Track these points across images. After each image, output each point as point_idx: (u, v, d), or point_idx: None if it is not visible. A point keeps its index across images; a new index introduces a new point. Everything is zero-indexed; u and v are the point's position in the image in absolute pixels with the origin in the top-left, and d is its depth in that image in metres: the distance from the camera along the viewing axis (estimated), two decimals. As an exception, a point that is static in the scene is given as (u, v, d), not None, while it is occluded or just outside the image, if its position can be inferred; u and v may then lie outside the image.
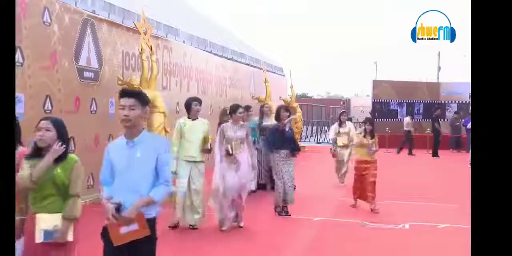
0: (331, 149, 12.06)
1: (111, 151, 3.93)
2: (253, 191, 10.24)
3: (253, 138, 10.91)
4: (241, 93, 18.58)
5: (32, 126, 7.68)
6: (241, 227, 7.54)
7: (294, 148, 8.61)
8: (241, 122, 7.72)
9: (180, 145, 7.29)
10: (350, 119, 26.96)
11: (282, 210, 8.48)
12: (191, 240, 6.77)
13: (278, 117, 8.65)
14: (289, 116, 8.67)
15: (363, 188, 9.02)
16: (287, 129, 8.55)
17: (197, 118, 7.49)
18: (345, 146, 11.86)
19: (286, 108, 8.87)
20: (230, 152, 7.33)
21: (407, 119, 21.22)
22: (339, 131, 11.99)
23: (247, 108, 10.98)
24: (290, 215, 8.41)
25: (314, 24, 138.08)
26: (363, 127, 9.17)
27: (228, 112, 7.78)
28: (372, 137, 9.02)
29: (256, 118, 11.43)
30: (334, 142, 12.03)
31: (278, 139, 8.43)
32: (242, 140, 7.54)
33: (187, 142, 7.28)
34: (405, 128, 20.94)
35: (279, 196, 8.45)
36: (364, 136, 9.03)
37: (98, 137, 9.49)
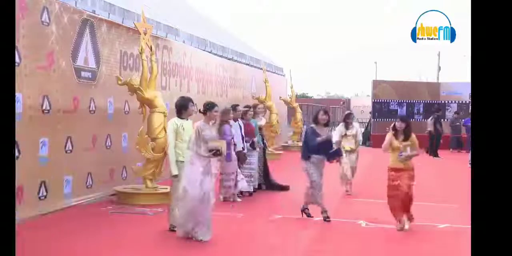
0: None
1: None
2: (250, 194, 10.25)
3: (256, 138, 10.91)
4: (242, 93, 18.58)
5: (31, 126, 7.71)
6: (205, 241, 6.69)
7: (331, 154, 8.07)
8: (212, 122, 7.18)
9: (176, 147, 7.21)
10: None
11: (321, 214, 8.12)
12: (189, 240, 6.76)
13: (316, 120, 8.13)
14: (328, 120, 8.09)
15: (398, 204, 7.54)
16: (323, 134, 8.03)
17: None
18: (352, 151, 10.69)
19: (325, 111, 8.21)
20: (220, 152, 6.82)
21: (430, 121, 20.85)
22: (345, 134, 10.66)
23: (249, 107, 10.98)
24: (329, 220, 8.05)
25: (314, 24, 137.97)
26: (392, 125, 7.58)
27: (202, 110, 7.17)
28: (407, 138, 7.41)
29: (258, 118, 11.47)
30: (339, 145, 10.35)
31: (314, 144, 7.93)
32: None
33: (184, 143, 7.22)
34: (429, 129, 20.58)
35: (312, 200, 8.11)
36: (396, 137, 7.47)
37: (96, 137, 9.48)
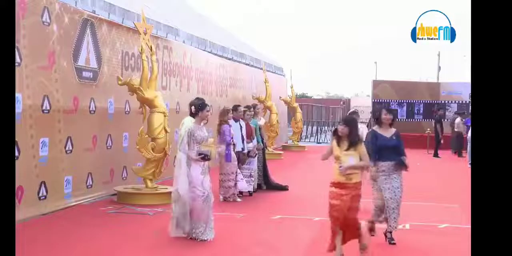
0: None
1: None
2: (250, 194, 10.23)
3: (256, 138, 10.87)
4: (242, 93, 18.58)
5: (31, 126, 7.71)
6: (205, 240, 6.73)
7: (401, 160, 6.72)
8: (204, 122, 7.03)
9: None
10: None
11: (385, 236, 6.93)
12: (189, 240, 6.76)
13: (378, 121, 6.96)
14: (393, 119, 6.86)
15: (336, 229, 6.03)
16: (389, 136, 6.87)
17: None
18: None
19: (388, 109, 6.98)
20: (209, 157, 6.69)
21: (458, 120, 20.31)
22: None
23: (248, 108, 10.97)
24: (394, 243, 6.85)
25: (314, 24, 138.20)
26: (333, 129, 6.21)
27: (193, 110, 6.98)
28: (351, 146, 5.85)
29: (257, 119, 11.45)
30: None
31: (379, 149, 6.72)
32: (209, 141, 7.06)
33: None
34: (455, 130, 20.21)
35: (376, 215, 6.93)
36: (338, 144, 5.94)
37: (96, 137, 9.48)
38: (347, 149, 5.84)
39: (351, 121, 6.06)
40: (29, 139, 7.65)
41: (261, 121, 12.13)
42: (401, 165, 6.74)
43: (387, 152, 6.73)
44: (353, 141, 5.85)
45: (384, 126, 6.88)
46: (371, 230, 6.76)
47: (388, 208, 6.78)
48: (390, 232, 6.88)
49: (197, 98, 7.51)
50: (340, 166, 5.79)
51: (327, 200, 7.48)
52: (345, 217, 5.90)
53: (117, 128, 10.15)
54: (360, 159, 5.88)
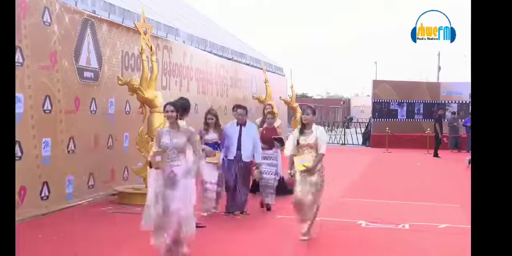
0: (289, 174, 6.96)
1: None
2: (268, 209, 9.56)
3: None
4: (242, 93, 18.58)
5: (34, 127, 7.72)
6: None
7: None
8: (179, 126, 5.85)
9: None
10: (350, 119, 26.65)
11: None
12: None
13: None
14: None
15: None
16: None
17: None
18: (308, 172, 6.75)
19: None
20: (150, 166, 5.64)
21: None
22: (298, 142, 6.80)
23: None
24: None
25: (314, 24, 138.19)
26: None
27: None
28: None
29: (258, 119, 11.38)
30: (291, 162, 6.87)
31: None
32: (180, 149, 5.68)
33: None
34: None
35: None
36: None
37: (97, 137, 9.49)
38: None
39: None
40: (32, 139, 7.66)
41: (277, 123, 11.68)
42: None
43: None
44: None
45: None
46: None
47: None
48: None
49: (181, 98, 7.33)
50: None
51: (326, 201, 7.49)
52: None
53: (118, 128, 10.16)
54: None
